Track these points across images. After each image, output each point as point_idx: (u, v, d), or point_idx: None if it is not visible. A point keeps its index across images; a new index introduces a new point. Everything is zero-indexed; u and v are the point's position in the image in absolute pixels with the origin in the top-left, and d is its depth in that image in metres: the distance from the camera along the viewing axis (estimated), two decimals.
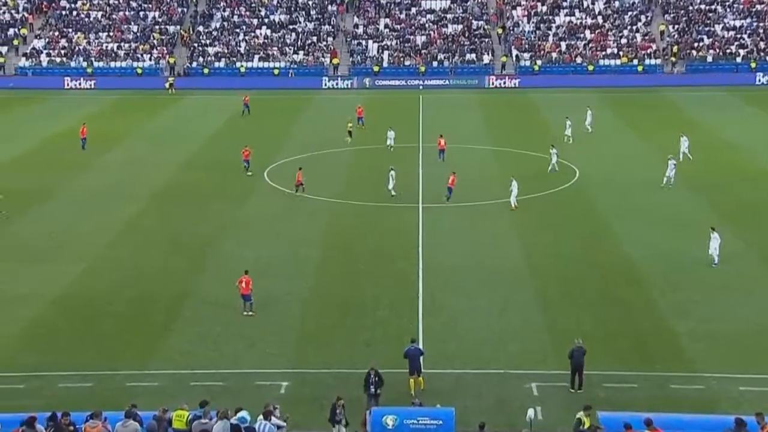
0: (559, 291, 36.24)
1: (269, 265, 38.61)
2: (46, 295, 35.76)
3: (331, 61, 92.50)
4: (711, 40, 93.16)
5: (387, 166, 50.89)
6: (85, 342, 31.68)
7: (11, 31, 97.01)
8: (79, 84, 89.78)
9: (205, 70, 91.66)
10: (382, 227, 44.50)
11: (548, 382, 28.62)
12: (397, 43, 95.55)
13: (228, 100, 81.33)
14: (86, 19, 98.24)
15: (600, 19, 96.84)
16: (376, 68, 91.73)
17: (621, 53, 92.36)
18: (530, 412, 24.84)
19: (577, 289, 36.44)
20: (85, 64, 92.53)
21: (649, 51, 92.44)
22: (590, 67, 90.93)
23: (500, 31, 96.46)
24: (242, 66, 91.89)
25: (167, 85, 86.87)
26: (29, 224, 45.04)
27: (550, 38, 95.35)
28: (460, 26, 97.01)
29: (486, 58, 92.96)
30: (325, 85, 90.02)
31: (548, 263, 39.43)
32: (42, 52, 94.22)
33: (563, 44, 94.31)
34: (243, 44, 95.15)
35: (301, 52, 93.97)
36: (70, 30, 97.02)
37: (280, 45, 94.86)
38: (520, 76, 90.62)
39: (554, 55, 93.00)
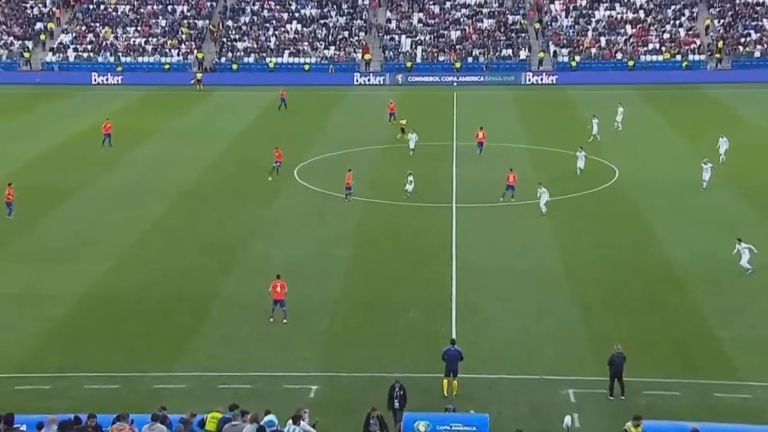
0: (597, 294, 36.03)
1: (298, 266, 38.76)
2: (71, 294, 36.15)
3: (363, 56, 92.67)
4: (758, 34, 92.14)
5: (410, 169, 50.37)
6: (111, 343, 31.98)
7: (38, 26, 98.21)
8: (107, 79, 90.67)
9: (234, 66, 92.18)
10: (414, 227, 44.50)
11: (586, 389, 28.47)
12: (430, 39, 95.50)
13: (257, 97, 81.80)
14: (114, 14, 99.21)
15: (642, 14, 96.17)
16: (409, 64, 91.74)
17: (663, 48, 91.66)
18: (567, 419, 24.73)
19: (616, 292, 36.21)
20: (112, 59, 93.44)
21: (692, 46, 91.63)
22: (631, 63, 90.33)
23: (537, 25, 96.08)
24: (271, 61, 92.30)
25: (194, 81, 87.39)
26: (54, 223, 45.56)
27: (590, 33, 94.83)
28: (496, 21, 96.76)
29: (522, 54, 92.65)
30: (357, 81, 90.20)
31: (586, 265, 39.23)
32: (69, 47, 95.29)
33: (603, 39, 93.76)
34: (273, 39, 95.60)
35: (333, 48, 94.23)
36: (98, 24, 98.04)
37: (310, 40, 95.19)
38: (558, 73, 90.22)
39: (593, 50, 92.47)
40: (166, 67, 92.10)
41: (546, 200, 45.63)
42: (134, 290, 36.79)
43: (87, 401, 26.57)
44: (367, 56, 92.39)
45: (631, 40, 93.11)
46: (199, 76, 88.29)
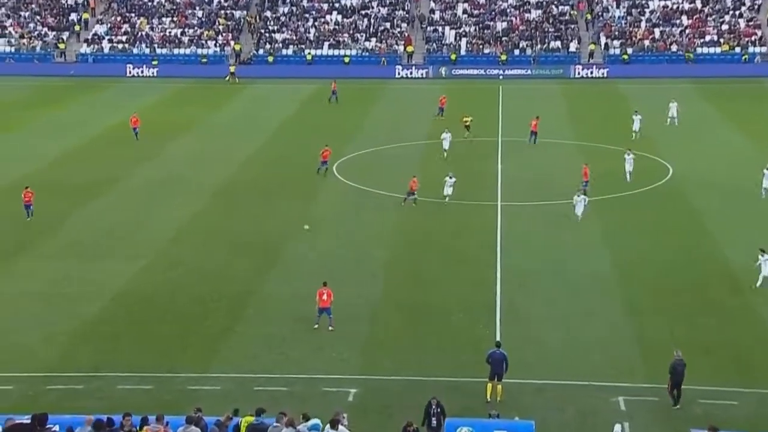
0: (649, 298, 35.77)
1: (337, 266, 38.90)
2: (104, 292, 36.61)
3: (405, 48, 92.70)
4: None
5: (450, 170, 49.68)
6: (144, 342, 32.35)
7: (73, 16, 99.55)
8: (142, 72, 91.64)
9: (270, 58, 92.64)
10: (457, 226, 44.46)
11: (637, 396, 28.28)
12: (475, 30, 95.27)
13: (295, 90, 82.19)
14: (149, 4, 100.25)
15: (698, 3, 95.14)
16: (453, 56, 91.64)
17: (721, 40, 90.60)
18: (617, 427, 24.58)
19: (671, 296, 35.90)
20: (148, 50, 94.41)
21: (753, 38, 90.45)
22: (688, 56, 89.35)
23: (588, 16, 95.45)
24: (310, 54, 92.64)
25: (227, 77, 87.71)
26: (87, 219, 46.15)
27: (643, 24, 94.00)
28: (544, 11, 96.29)
29: (572, 46, 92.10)
30: (399, 74, 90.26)
31: (637, 267, 38.96)
32: (104, 38, 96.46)
33: (657, 31, 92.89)
34: (312, 30, 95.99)
35: (374, 39, 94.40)
36: (133, 15, 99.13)
37: (351, 31, 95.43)
38: (609, 66, 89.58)
39: (647, 42, 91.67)
40: (203, 61, 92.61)
41: (582, 209, 44.26)
42: (169, 289, 37.17)
43: (120, 402, 26.87)
44: (410, 48, 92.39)
45: (687, 31, 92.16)
46: (232, 69, 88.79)
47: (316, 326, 33.25)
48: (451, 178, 47.75)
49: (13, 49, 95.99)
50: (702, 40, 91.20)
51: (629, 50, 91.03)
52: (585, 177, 48.45)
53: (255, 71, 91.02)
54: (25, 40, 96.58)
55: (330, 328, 33.04)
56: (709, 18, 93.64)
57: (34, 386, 29.02)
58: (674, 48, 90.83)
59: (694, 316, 34.10)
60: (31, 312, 34.96)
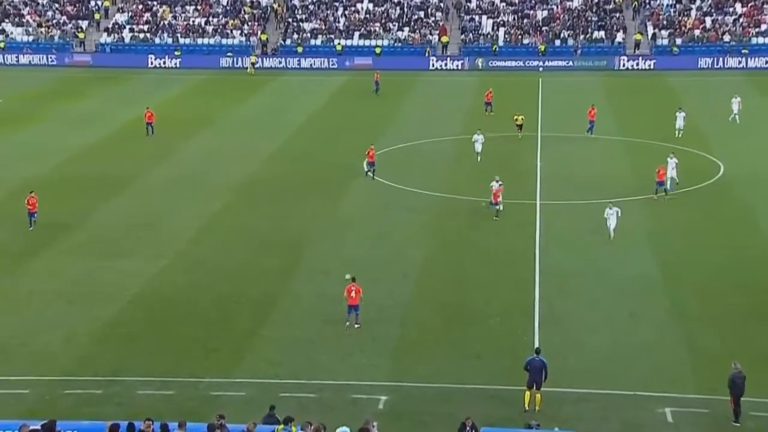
0: (699, 303, 35.50)
1: (368, 266, 38.91)
2: (123, 293, 36.87)
3: (439, 38, 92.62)
4: None
5: (497, 174, 47.91)
6: (165, 346, 32.54)
7: (92, 4, 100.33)
8: (164, 62, 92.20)
9: (299, 49, 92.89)
10: (494, 225, 44.37)
11: (685, 407, 28.07)
12: (514, 19, 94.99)
13: (323, 82, 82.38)
14: None
15: None
16: (494, 47, 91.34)
17: None
18: None
19: (722, 301, 35.61)
20: (170, 40, 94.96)
21: None
22: (744, 48, 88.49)
23: (634, 4, 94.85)
24: (339, 44, 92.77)
25: (249, 69, 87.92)
26: (106, 216, 46.48)
27: (693, 12, 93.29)
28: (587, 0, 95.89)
29: (618, 36, 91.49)
30: (433, 65, 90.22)
31: (685, 270, 38.70)
32: (124, 27, 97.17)
33: (708, 20, 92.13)
34: (342, 19, 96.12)
35: (407, 29, 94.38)
36: (155, 3, 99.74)
37: (383, 21, 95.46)
38: (657, 57, 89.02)
39: (697, 32, 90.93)
40: (228, 54, 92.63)
41: (614, 224, 41.96)
42: (190, 290, 37.37)
43: (140, 407, 27.05)
44: (444, 38, 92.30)
45: (741, 20, 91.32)
46: (252, 59, 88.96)
47: (347, 324, 33.46)
48: (498, 182, 45.75)
49: (30, 39, 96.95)
50: (757, 30, 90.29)
51: (678, 40, 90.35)
52: (659, 177, 47.29)
53: (281, 63, 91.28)
54: (42, 29, 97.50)
55: (356, 325, 33.30)
56: (765, 5, 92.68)
57: (52, 390, 29.25)
58: (727, 38, 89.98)
59: (746, 322, 33.80)
60: (50, 312, 35.28)
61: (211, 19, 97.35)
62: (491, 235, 43.22)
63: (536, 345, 30.31)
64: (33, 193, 44.51)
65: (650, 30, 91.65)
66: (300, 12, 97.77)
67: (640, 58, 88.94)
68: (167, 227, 44.86)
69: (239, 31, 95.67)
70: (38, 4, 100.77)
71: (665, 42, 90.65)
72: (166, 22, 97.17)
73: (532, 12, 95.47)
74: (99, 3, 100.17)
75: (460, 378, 29.72)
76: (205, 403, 28.17)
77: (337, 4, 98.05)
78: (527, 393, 27.72)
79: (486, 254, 40.84)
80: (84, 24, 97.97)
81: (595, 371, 30.44)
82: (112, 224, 45.29)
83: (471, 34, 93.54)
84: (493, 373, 30.04)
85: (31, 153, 58.70)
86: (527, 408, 27.51)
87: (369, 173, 51.84)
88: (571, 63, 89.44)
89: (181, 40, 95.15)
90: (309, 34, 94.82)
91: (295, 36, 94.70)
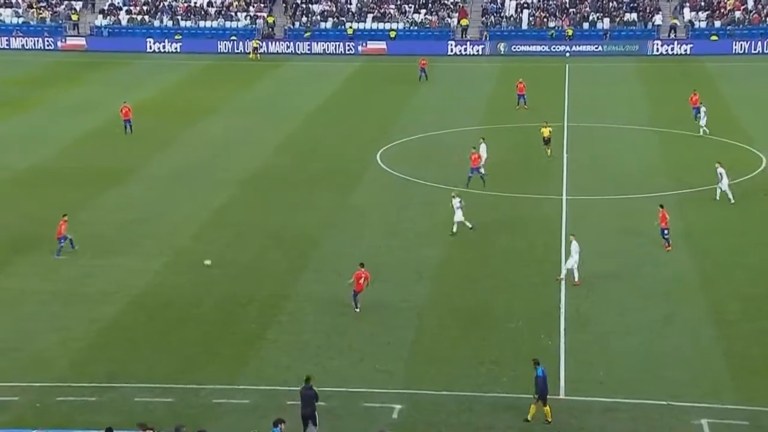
0: (738, 308, 35.43)
1: (381, 265, 38.96)
2: (121, 293, 37.02)
3: (459, 22, 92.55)
4: None
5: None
6: (165, 350, 32.67)
7: None
8: (163, 47, 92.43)
9: (307, 33, 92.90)
10: (517, 222, 44.37)
11: (723, 419, 28.03)
12: (539, 1, 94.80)
13: (334, 68, 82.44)
14: None
15: None
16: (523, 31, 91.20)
17: None
18: None
19: (762, 304, 35.53)
20: (170, 23, 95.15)
21: None
22: None
23: None
24: (351, 27, 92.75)
25: (251, 53, 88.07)
26: (103, 211, 46.67)
27: None
28: None
29: (656, 19, 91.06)
30: (451, 50, 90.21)
31: (723, 272, 38.64)
32: (121, 9, 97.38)
33: (750, 1, 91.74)
34: (354, 1, 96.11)
35: (423, 11, 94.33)
36: None
37: (398, 2, 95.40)
38: (693, 41, 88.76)
39: (738, 14, 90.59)
40: (233, 38, 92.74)
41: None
42: (192, 290, 37.49)
43: (137, 415, 27.12)
44: (464, 21, 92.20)
45: None
46: (254, 44, 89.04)
47: (357, 310, 34.52)
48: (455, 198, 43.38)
49: (20, 21, 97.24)
50: None
51: (717, 23, 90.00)
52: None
53: (288, 47, 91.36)
54: (33, 11, 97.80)
55: (356, 309, 34.46)
56: None
57: (43, 397, 29.37)
58: None
59: None
60: (44, 314, 35.44)
61: (213, 0, 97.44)
62: (513, 232, 43.21)
63: (561, 352, 30.31)
64: (66, 217, 41.07)
65: (687, 12, 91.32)
66: None
67: (676, 43, 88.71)
68: (168, 222, 45.01)
69: (244, 14, 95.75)
70: None
71: (703, 25, 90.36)
72: (165, 4, 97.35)
73: None
74: None
75: (479, 386, 29.74)
76: (206, 411, 28.32)
77: None
78: (533, 407, 27.69)
79: (507, 253, 40.85)
80: (78, 5, 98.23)
81: (624, 379, 30.40)
82: (108, 220, 45.45)
83: (493, 17, 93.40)
84: (515, 381, 30.05)
85: (23, 142, 58.95)
86: (530, 419, 27.45)
87: (471, 179, 48.36)
88: (600, 48, 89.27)
89: (182, 23, 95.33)
90: (318, 17, 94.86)
91: (304, 19, 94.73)
